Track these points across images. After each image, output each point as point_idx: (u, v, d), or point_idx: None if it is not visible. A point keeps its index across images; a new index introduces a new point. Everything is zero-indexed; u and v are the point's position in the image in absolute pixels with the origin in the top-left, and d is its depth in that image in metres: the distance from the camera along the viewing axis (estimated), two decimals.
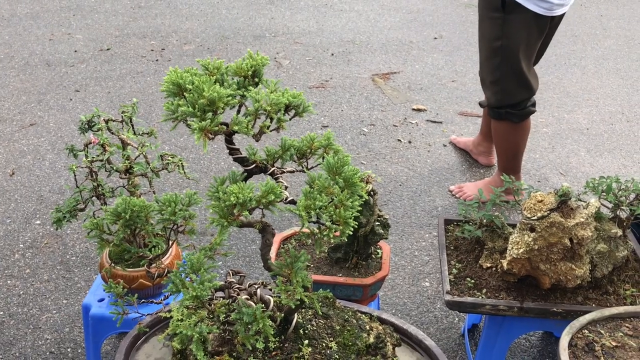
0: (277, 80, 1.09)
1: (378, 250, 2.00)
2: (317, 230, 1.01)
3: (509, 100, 2.78)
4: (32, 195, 3.11)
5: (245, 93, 1.03)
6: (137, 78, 4.40)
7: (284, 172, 1.11)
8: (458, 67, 4.69)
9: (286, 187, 1.08)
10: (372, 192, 1.83)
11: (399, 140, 3.70)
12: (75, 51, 4.80)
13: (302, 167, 1.17)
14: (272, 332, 1.07)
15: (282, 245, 2.02)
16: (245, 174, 1.09)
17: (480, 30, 2.81)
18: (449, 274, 1.90)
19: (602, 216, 1.84)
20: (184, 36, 5.17)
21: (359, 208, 1.01)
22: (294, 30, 5.35)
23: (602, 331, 1.46)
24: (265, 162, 1.11)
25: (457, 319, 2.41)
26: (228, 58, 4.74)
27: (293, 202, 1.08)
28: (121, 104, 1.77)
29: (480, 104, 2.99)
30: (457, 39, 5.24)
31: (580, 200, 1.88)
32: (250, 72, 1.05)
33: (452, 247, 2.03)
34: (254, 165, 1.09)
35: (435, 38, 5.29)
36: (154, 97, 4.12)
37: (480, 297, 1.82)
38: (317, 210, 0.99)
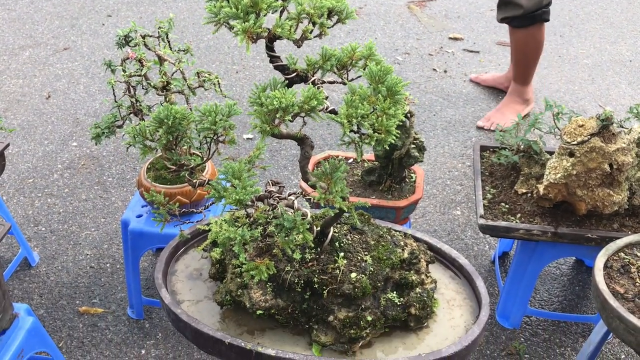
0: None
1: (412, 175, 1.99)
2: (358, 139, 1.00)
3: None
4: (68, 117, 3.16)
5: None
6: (168, 3, 4.35)
7: (324, 82, 1.10)
8: None
9: (326, 97, 1.07)
10: (408, 114, 1.81)
11: (434, 69, 3.63)
12: None
13: (342, 79, 1.15)
14: (311, 239, 1.09)
15: (316, 168, 2.03)
16: (286, 82, 1.08)
17: None
18: (483, 199, 1.89)
19: None
20: None
21: (402, 117, 1.00)
22: None
23: (639, 254, 1.45)
24: (305, 72, 1.10)
25: (487, 246, 2.42)
26: None
27: (334, 112, 1.08)
28: (156, 19, 1.75)
29: (503, 19, 2.89)
30: None
31: (622, 127, 1.84)
32: None
33: (487, 173, 2.02)
34: (294, 74, 1.07)
35: None
36: (186, 23, 4.08)
37: (514, 222, 1.81)
38: (359, 118, 0.98)
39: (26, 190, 2.68)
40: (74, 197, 2.65)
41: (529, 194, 1.89)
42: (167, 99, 1.76)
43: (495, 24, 4.12)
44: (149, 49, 1.72)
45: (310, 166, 2.02)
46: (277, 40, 1.07)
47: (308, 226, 1.07)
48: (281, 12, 1.03)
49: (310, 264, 1.30)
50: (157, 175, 1.89)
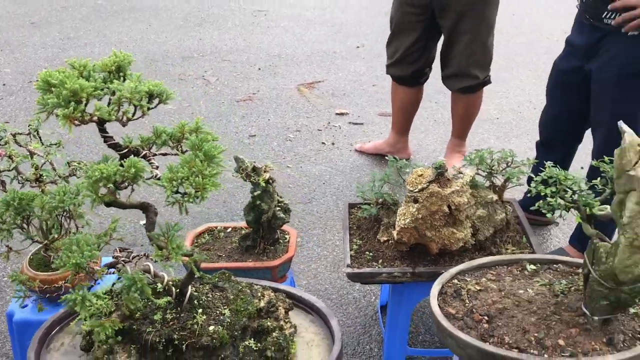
0: (139, 73, 1.25)
1: (286, 235, 2.16)
2: (181, 198, 1.16)
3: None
4: None
5: (110, 85, 1.18)
6: None
7: (155, 154, 1.26)
8: (378, 72, 4.93)
9: (157, 167, 1.23)
10: (270, 180, 1.99)
11: (322, 143, 3.89)
12: (4, 84, 4.85)
13: (177, 151, 1.32)
14: (150, 292, 1.22)
15: (195, 241, 2.16)
16: (119, 158, 1.23)
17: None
18: (350, 250, 2.07)
19: (477, 184, 2.04)
20: None
21: (217, 174, 1.17)
22: (222, 49, 5.52)
23: (469, 279, 1.64)
24: (138, 147, 1.26)
25: (373, 297, 2.59)
26: (157, 79, 4.86)
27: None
28: (29, 118, 1.89)
29: (460, 89, 3.30)
30: (378, 47, 5.49)
31: (460, 173, 2.09)
32: (114, 68, 1.21)
33: (354, 227, 2.21)
34: (126, 149, 1.24)
35: (358, 47, 5.54)
36: None
37: (377, 267, 1.99)
38: (179, 180, 1.15)
39: None
40: None
41: (390, 241, 2.09)
42: (42, 190, 1.87)
43: (377, 97, 4.50)
44: (20, 145, 1.85)
45: (189, 240, 2.16)
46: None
47: (146, 279, 1.19)
48: (110, 100, 1.20)
49: (171, 323, 1.41)
50: (42, 263, 1.94)
